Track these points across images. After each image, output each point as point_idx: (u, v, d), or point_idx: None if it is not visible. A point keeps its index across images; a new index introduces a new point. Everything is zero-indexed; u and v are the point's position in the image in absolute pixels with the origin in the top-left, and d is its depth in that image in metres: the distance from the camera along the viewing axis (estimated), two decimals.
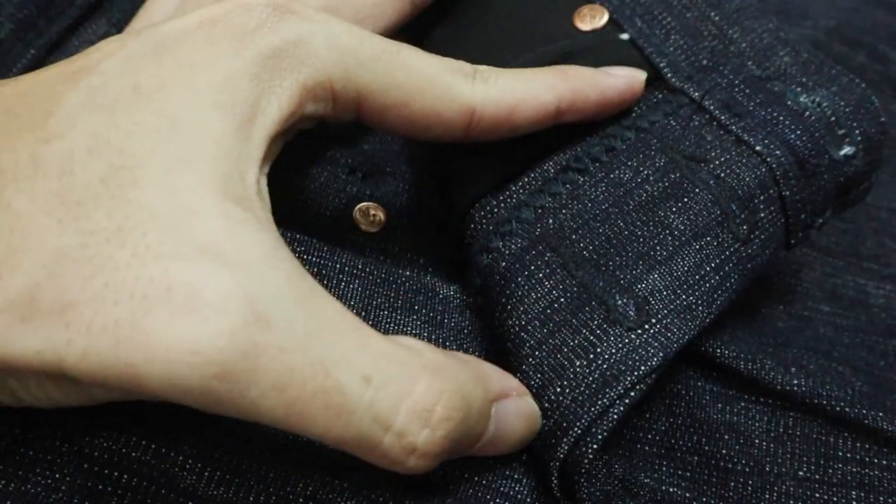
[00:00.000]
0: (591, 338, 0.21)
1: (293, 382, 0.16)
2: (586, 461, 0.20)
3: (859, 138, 0.23)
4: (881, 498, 0.23)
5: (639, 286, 0.21)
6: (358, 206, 0.26)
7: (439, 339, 0.22)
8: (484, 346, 0.23)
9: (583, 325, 0.21)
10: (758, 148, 0.23)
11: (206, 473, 0.19)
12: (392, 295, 0.23)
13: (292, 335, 0.16)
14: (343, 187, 0.26)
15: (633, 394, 0.20)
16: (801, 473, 0.23)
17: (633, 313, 0.21)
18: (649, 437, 0.24)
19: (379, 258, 0.25)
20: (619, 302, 0.21)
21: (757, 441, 0.23)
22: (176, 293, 0.16)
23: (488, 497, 0.20)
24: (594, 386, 0.20)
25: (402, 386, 0.17)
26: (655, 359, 0.20)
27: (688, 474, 0.23)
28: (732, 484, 0.23)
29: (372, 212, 0.26)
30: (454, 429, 0.17)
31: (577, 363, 0.20)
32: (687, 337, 0.21)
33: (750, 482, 0.23)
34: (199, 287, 0.16)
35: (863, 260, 0.30)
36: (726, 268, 0.22)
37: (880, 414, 0.23)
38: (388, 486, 0.20)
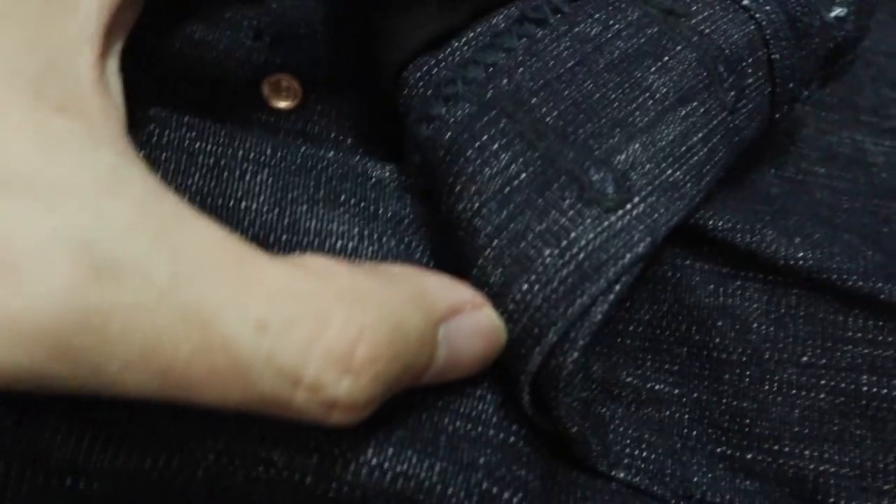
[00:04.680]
0: (563, 221, 0.17)
1: (162, 346, 0.12)
2: (565, 373, 0.16)
3: None
4: (894, 382, 0.20)
5: (617, 158, 0.18)
6: (267, 79, 0.21)
7: (374, 235, 0.18)
8: (430, 237, 0.19)
9: (551, 205, 0.17)
10: (745, 2, 0.20)
11: (88, 436, 0.15)
12: (312, 185, 0.19)
13: (150, 284, 0.12)
14: (248, 56, 0.22)
15: (617, 288, 0.17)
16: (804, 359, 0.21)
17: (611, 190, 0.17)
18: (630, 329, 0.21)
19: (296, 141, 0.21)
20: (595, 177, 0.17)
21: (755, 325, 0.21)
22: None
23: (446, 421, 0.17)
24: (570, 281, 0.16)
25: (310, 327, 0.13)
26: (642, 244, 0.17)
27: (675, 368, 0.21)
28: (727, 376, 0.20)
29: (284, 84, 0.22)
30: (384, 370, 0.14)
31: (547, 252, 0.17)
32: (675, 218, 0.18)
33: (748, 373, 0.20)
34: (4, 234, 0.12)
35: (860, 113, 0.27)
36: (714, 139, 0.19)
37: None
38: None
